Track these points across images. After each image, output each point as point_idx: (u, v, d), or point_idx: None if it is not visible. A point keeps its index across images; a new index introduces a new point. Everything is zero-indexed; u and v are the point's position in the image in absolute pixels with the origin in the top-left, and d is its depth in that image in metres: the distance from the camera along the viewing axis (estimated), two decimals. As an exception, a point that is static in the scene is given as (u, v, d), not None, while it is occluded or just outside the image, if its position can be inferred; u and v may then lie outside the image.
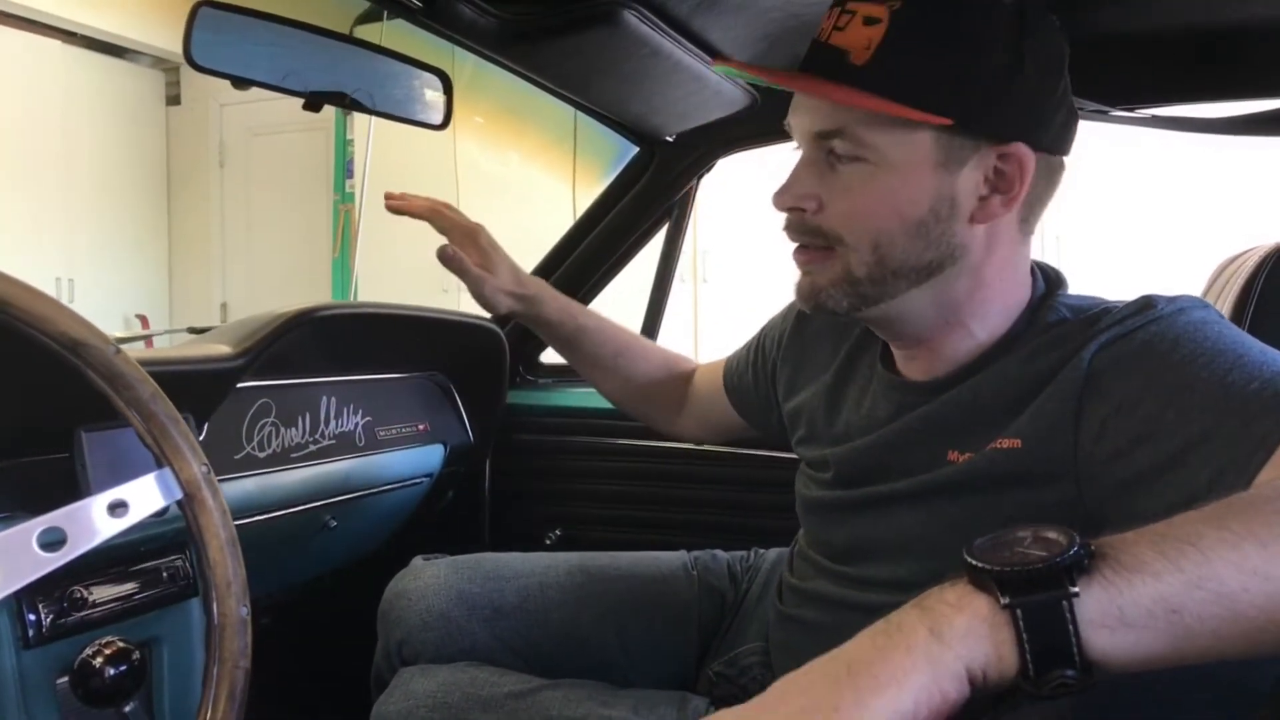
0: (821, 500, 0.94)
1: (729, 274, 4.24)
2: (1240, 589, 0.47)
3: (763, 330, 1.15)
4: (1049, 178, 0.82)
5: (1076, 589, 0.47)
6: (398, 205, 1.16)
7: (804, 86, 0.78)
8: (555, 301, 1.22)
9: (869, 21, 0.75)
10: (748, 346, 1.17)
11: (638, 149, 1.56)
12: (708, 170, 1.56)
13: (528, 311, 1.20)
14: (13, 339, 0.77)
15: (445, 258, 1.13)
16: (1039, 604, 0.47)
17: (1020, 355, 0.79)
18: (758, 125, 1.45)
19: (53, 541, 0.63)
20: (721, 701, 1.01)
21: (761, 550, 1.23)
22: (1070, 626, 0.47)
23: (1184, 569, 0.47)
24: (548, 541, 1.61)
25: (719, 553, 1.22)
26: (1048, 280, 0.86)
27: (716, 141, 1.50)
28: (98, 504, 0.65)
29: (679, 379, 1.28)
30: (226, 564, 0.68)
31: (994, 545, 0.52)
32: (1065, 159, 0.83)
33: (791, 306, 1.09)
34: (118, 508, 0.66)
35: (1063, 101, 0.80)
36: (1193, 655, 0.48)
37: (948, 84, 0.75)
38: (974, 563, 0.50)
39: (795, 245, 0.84)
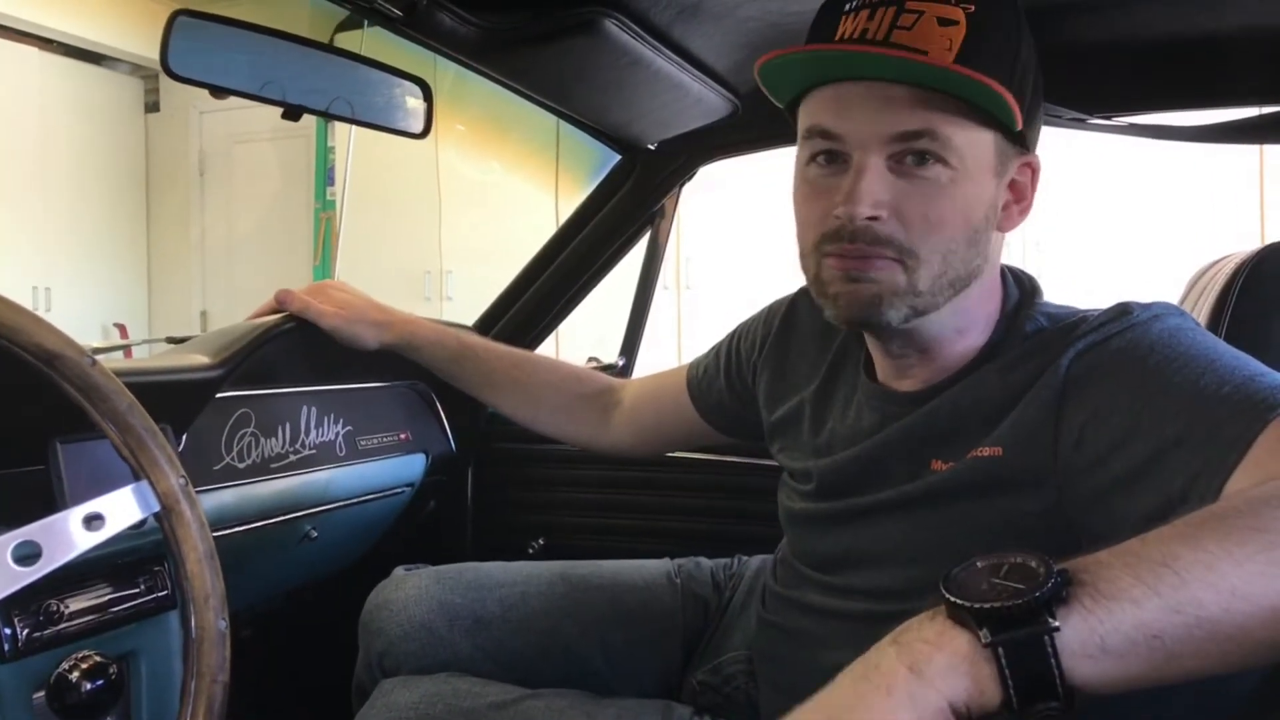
0: (804, 512, 0.94)
1: (713, 281, 4.25)
2: (1221, 611, 0.47)
3: (734, 335, 1.13)
4: None
5: (1057, 623, 0.47)
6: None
7: (932, 59, 0.72)
8: (429, 327, 1.25)
9: (944, 23, 0.74)
10: (715, 352, 1.16)
11: (619, 157, 1.56)
12: (689, 178, 1.56)
13: (399, 340, 1.22)
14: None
15: (298, 312, 1.17)
16: (1021, 640, 0.47)
17: (1000, 364, 0.80)
18: (740, 133, 1.45)
19: (27, 555, 0.63)
20: (705, 710, 1.01)
21: (745, 557, 1.22)
22: (1052, 660, 0.47)
23: (1162, 594, 0.47)
24: (530, 550, 1.60)
25: (702, 560, 1.22)
26: (1022, 287, 0.87)
27: (698, 150, 1.50)
28: (73, 517, 0.64)
29: (596, 391, 1.26)
30: (205, 577, 0.67)
31: (969, 576, 0.52)
32: None
33: (771, 311, 1.08)
34: (94, 520, 0.65)
35: None
36: (1174, 676, 0.48)
37: (1014, 89, 0.75)
38: (952, 599, 0.50)
39: (838, 255, 0.78)
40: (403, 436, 1.44)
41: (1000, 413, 0.77)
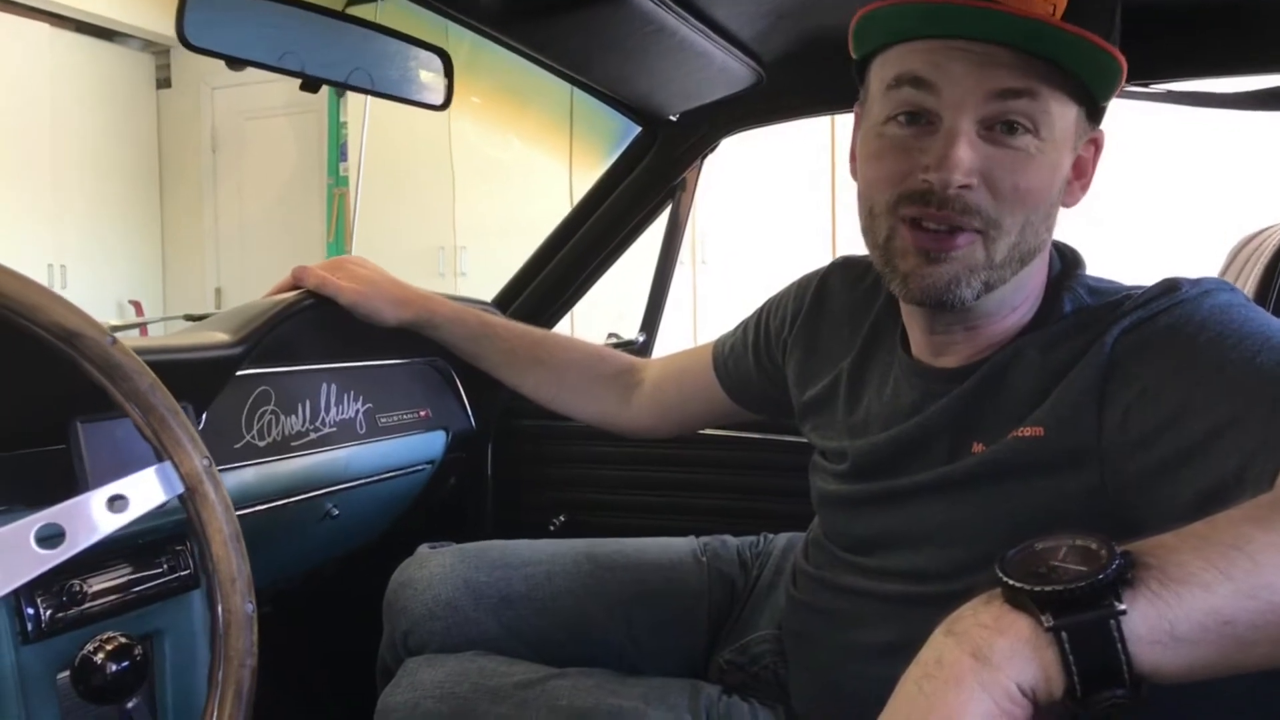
0: (838, 494, 0.92)
1: (728, 256, 4.22)
2: None
3: (763, 311, 1.11)
4: None
5: (1123, 607, 0.45)
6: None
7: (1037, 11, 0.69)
8: (447, 305, 1.22)
9: None
10: (743, 328, 1.13)
11: (640, 129, 1.53)
12: (711, 150, 1.53)
13: (417, 317, 1.19)
14: (4, 327, 0.75)
15: (315, 288, 1.14)
16: (1085, 625, 0.45)
17: (1041, 342, 0.78)
18: (763, 103, 1.42)
19: (51, 537, 0.62)
20: (733, 690, 1.00)
21: (771, 535, 1.21)
22: (1119, 645, 0.45)
23: (1235, 578, 0.46)
24: (551, 528, 1.59)
25: (729, 539, 1.20)
26: (1064, 259, 0.85)
27: (721, 121, 1.47)
28: (97, 499, 0.63)
29: (618, 371, 1.23)
30: (230, 559, 0.66)
31: (1026, 558, 0.50)
32: None
33: (801, 286, 1.06)
34: (117, 502, 0.64)
35: None
36: (1245, 664, 0.46)
37: None
38: (1010, 582, 0.48)
39: (927, 230, 0.75)
40: (423, 414, 1.43)
41: (1042, 392, 0.75)
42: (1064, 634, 0.45)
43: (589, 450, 1.60)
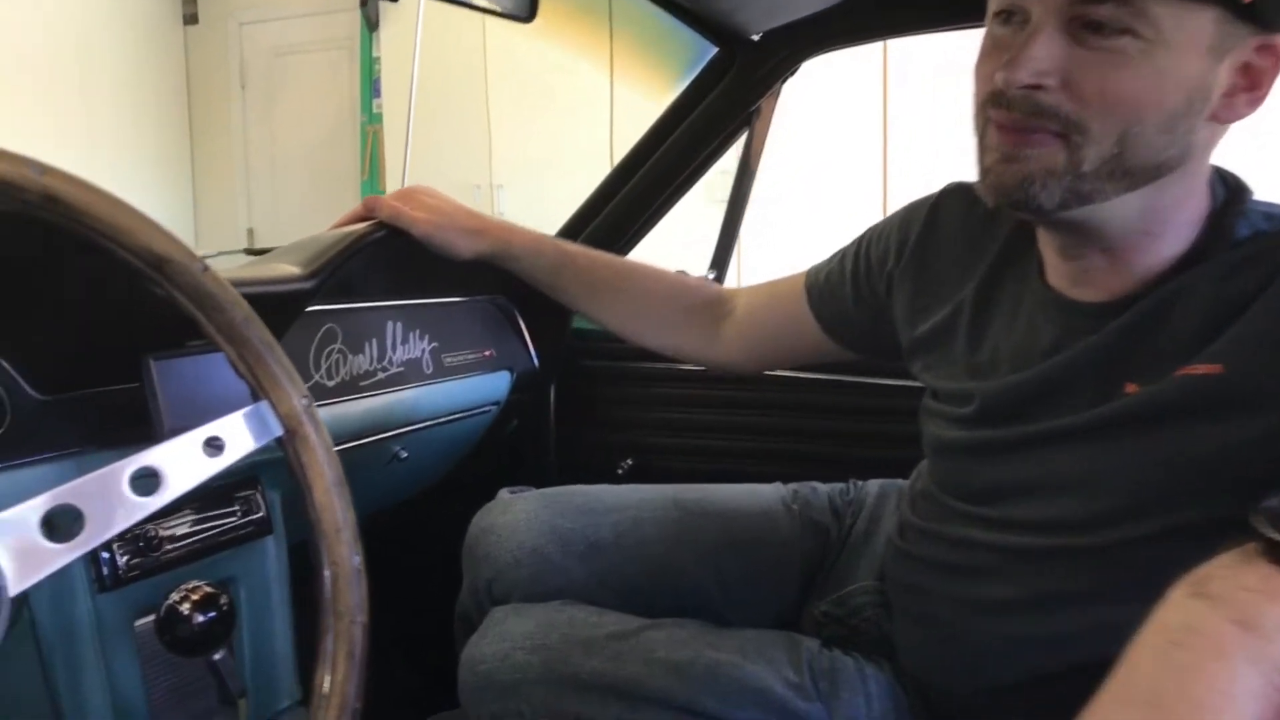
0: (960, 441, 0.85)
1: (776, 194, 4.09)
2: None
3: (863, 241, 1.02)
4: None
5: None
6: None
7: None
8: (525, 234, 1.14)
9: None
10: (841, 257, 1.04)
11: (716, 50, 1.44)
12: (792, 74, 1.43)
13: (494, 249, 1.11)
14: (74, 258, 0.69)
15: (388, 219, 1.08)
16: None
17: (1211, 272, 0.70)
18: (852, 22, 1.32)
19: (146, 480, 0.56)
20: (832, 643, 0.95)
21: (860, 482, 1.15)
22: None
23: None
24: (619, 472, 1.54)
25: (818, 485, 1.14)
26: (1228, 187, 0.76)
27: (805, 41, 1.37)
28: (193, 441, 0.57)
29: (706, 302, 1.15)
30: (335, 507, 0.60)
31: None
32: None
33: (910, 213, 0.97)
34: (213, 445, 0.58)
35: None
36: None
37: None
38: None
39: (1000, 123, 0.71)
40: (488, 353, 1.38)
41: (1216, 326, 0.68)
42: None
43: (655, 392, 1.54)
